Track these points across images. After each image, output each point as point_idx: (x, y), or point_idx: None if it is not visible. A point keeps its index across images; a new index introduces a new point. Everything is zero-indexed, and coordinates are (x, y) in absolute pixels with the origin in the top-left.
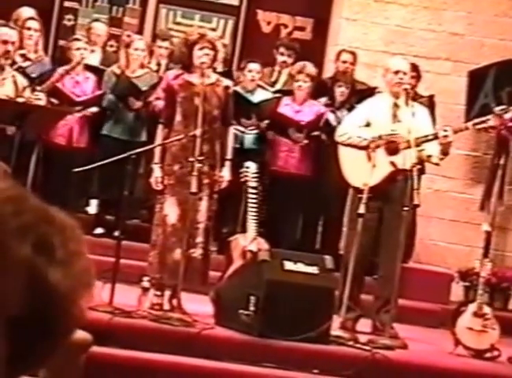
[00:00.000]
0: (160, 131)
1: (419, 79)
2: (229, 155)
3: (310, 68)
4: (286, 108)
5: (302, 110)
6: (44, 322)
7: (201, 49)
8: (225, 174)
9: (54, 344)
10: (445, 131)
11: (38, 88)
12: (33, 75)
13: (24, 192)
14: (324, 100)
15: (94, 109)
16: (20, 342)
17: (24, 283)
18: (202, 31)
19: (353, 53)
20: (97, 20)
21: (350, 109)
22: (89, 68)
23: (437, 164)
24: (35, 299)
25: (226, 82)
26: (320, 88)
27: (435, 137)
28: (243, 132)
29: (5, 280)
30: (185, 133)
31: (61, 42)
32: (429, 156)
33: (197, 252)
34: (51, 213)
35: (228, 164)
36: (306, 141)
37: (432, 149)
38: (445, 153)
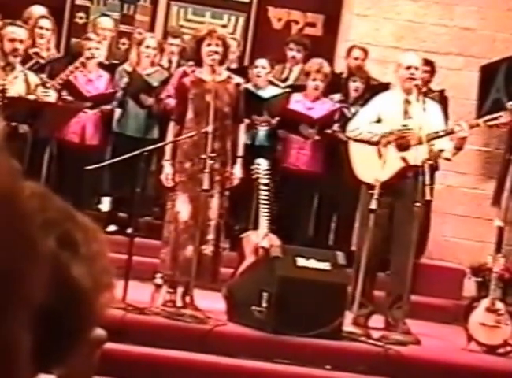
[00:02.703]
0: (171, 128)
1: (433, 74)
2: (240, 152)
3: (327, 67)
4: (297, 104)
5: (314, 107)
6: (67, 317)
7: (208, 45)
8: (237, 171)
9: (76, 340)
10: (459, 126)
11: (48, 85)
12: (42, 62)
13: (49, 191)
14: (337, 97)
15: (109, 107)
16: (44, 337)
17: (48, 277)
18: (211, 28)
19: (364, 50)
20: (103, 15)
21: (363, 105)
22: (102, 65)
23: (449, 160)
24: (58, 293)
25: (237, 79)
26: (334, 84)
27: (447, 133)
28: (254, 127)
29: (32, 272)
30: (197, 130)
31: (74, 41)
32: (441, 150)
33: (208, 249)
34: (74, 213)
35: (239, 161)
36: (317, 137)
37: (444, 143)
38: (459, 148)
